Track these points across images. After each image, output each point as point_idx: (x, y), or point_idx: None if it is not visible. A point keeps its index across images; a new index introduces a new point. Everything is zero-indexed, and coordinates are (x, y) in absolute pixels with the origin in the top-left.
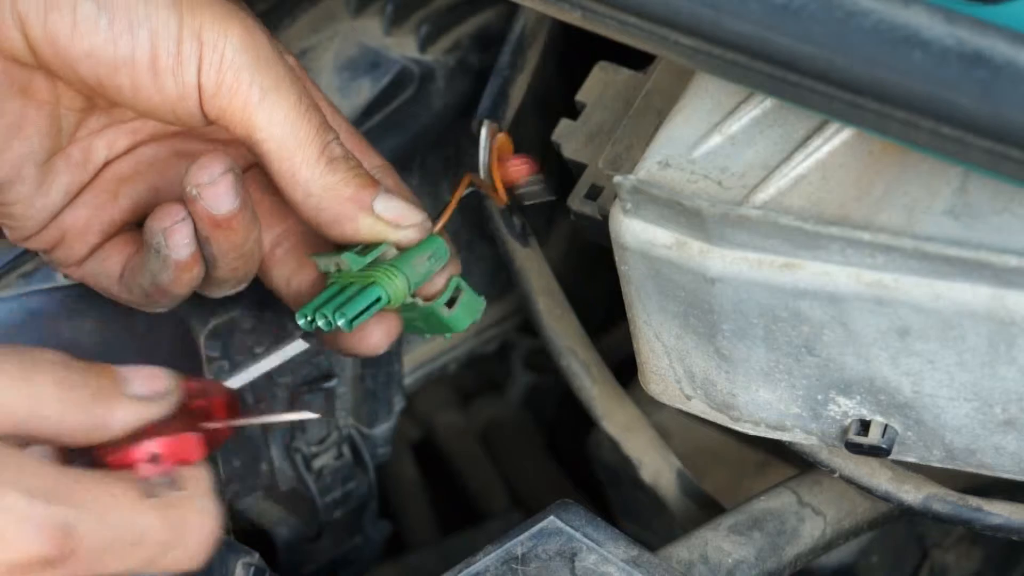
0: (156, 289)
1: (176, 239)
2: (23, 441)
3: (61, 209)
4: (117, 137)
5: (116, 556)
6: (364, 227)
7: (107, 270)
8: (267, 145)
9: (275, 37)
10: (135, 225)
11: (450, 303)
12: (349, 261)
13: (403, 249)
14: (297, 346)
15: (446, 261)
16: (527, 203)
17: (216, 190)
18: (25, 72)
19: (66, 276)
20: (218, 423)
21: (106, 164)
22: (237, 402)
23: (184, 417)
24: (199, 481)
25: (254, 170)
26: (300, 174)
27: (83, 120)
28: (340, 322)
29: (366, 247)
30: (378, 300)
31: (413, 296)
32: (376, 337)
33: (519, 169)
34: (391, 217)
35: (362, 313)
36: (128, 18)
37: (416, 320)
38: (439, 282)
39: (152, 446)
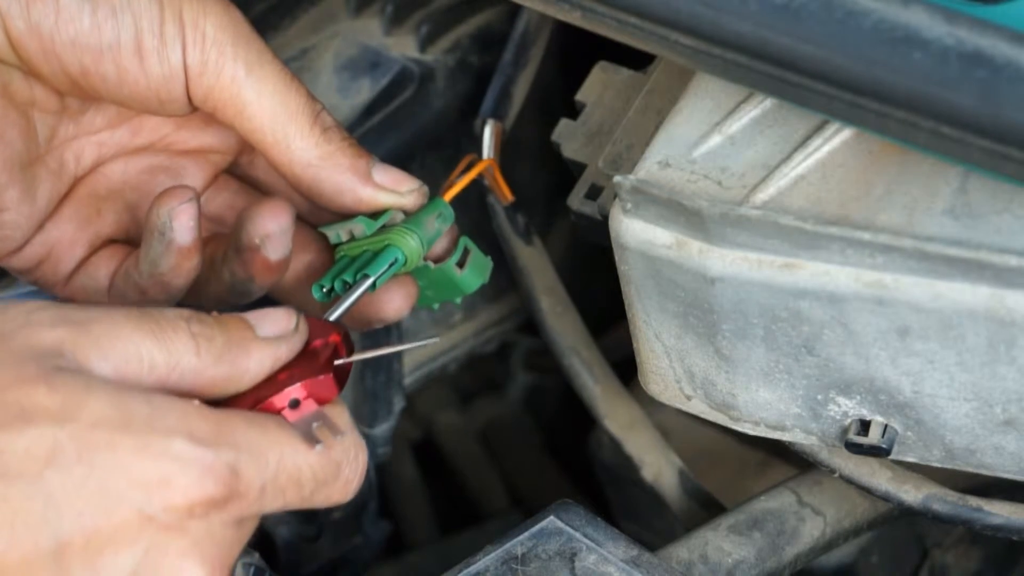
0: (154, 281)
1: (182, 220)
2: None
3: (45, 220)
4: (83, 149)
5: (277, 494)
6: (366, 196)
7: (96, 282)
8: (258, 120)
9: (275, 38)
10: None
11: (460, 264)
12: (363, 225)
13: (409, 213)
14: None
15: (452, 220)
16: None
17: (283, 240)
18: (4, 70)
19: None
20: (343, 360)
21: (78, 180)
22: (350, 338)
23: (308, 358)
24: (344, 419)
25: (227, 175)
26: (295, 145)
27: (56, 127)
28: (365, 283)
29: (374, 213)
30: (396, 260)
31: (424, 259)
32: (398, 301)
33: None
34: (390, 184)
35: (384, 272)
36: (110, 4)
37: (426, 289)
38: (446, 245)
39: (293, 392)
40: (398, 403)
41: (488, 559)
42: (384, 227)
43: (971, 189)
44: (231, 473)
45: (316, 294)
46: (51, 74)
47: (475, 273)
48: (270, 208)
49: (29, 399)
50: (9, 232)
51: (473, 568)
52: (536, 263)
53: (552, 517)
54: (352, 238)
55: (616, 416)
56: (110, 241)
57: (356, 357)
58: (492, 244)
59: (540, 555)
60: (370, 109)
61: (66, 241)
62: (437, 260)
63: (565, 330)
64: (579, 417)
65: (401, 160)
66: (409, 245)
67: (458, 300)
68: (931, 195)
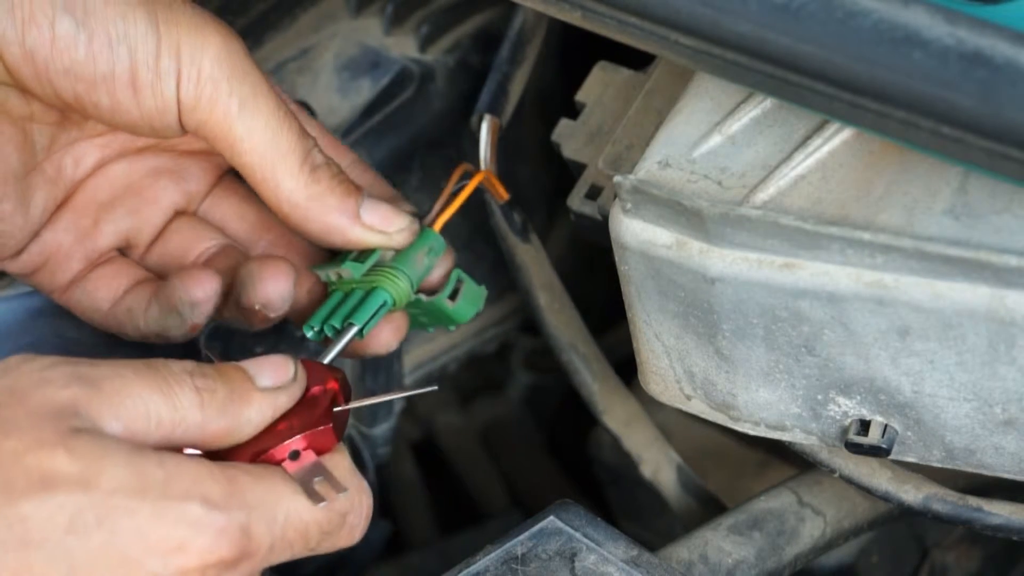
0: (160, 337)
1: (205, 308)
2: (174, 450)
3: (40, 228)
4: (85, 152)
5: (284, 548)
6: (354, 237)
7: (95, 303)
8: (248, 157)
9: (275, 38)
10: (119, 253)
11: (452, 296)
12: (351, 270)
13: (399, 248)
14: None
15: (443, 253)
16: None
17: (283, 302)
18: (1, 91)
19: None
20: (342, 407)
21: (77, 184)
22: (348, 384)
23: (306, 406)
24: (344, 467)
25: (232, 178)
26: (283, 185)
27: (56, 135)
28: (352, 331)
29: (363, 252)
30: (384, 304)
31: (416, 293)
32: (385, 336)
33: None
34: (379, 224)
35: (371, 318)
36: (107, 34)
37: (420, 316)
38: (439, 276)
39: (293, 444)
40: (398, 403)
41: (488, 559)
42: (375, 264)
43: (971, 189)
44: (243, 535)
45: (309, 334)
46: (45, 97)
47: (468, 304)
48: (272, 274)
49: (50, 464)
50: (3, 240)
51: (473, 568)
52: (533, 260)
53: (552, 517)
54: (341, 279)
55: (615, 412)
56: (110, 253)
57: (354, 404)
58: (490, 242)
59: (540, 555)
60: (370, 109)
61: (63, 252)
62: (430, 292)
63: (563, 326)
64: (579, 417)
65: (401, 160)
66: (398, 287)
67: (452, 328)
68: (931, 195)
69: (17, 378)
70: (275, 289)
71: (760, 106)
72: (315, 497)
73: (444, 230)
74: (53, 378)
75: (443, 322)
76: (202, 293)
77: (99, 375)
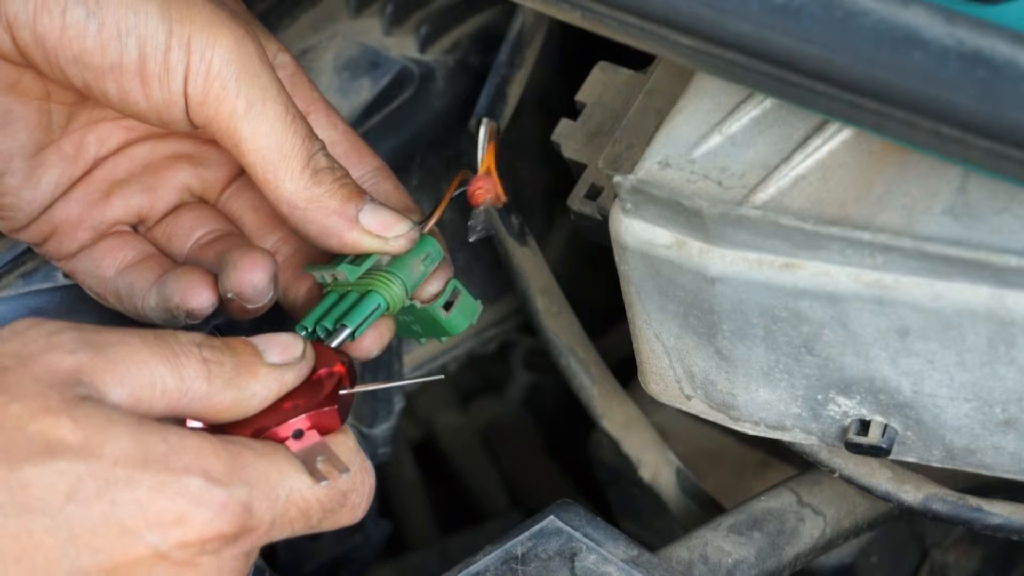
0: (152, 324)
1: (198, 316)
2: (178, 421)
3: (51, 203)
4: (110, 133)
5: (285, 525)
6: (351, 240)
7: (99, 271)
8: (251, 157)
9: (274, 37)
10: (130, 227)
11: (447, 306)
12: (346, 272)
13: (397, 254)
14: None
15: (440, 261)
16: (470, 238)
17: (258, 294)
18: (13, 70)
19: (65, 276)
20: (347, 390)
21: (99, 161)
22: (355, 368)
23: (312, 387)
24: (348, 447)
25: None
26: (284, 187)
27: (74, 113)
28: (344, 333)
29: (359, 255)
30: (378, 307)
31: (411, 299)
32: (368, 342)
33: (480, 192)
34: (377, 229)
35: (364, 322)
36: (117, 25)
37: (413, 324)
38: (436, 284)
39: (297, 423)
40: (398, 403)
41: (488, 559)
42: (371, 268)
43: (971, 189)
44: (244, 510)
45: (300, 334)
46: (57, 81)
47: (462, 316)
48: (249, 265)
49: (54, 432)
50: (10, 213)
51: (473, 568)
52: (531, 264)
53: (552, 517)
54: (336, 281)
55: (613, 416)
56: (120, 226)
57: (360, 388)
58: (488, 243)
59: (540, 555)
60: (370, 109)
61: (71, 222)
62: (426, 300)
63: (561, 330)
64: (579, 417)
65: (401, 160)
66: (392, 292)
67: (443, 339)
68: (931, 195)
69: (25, 342)
70: (248, 279)
71: (760, 106)
72: (317, 475)
73: (443, 231)
74: (60, 343)
75: (436, 332)
76: (196, 304)
77: (105, 342)
